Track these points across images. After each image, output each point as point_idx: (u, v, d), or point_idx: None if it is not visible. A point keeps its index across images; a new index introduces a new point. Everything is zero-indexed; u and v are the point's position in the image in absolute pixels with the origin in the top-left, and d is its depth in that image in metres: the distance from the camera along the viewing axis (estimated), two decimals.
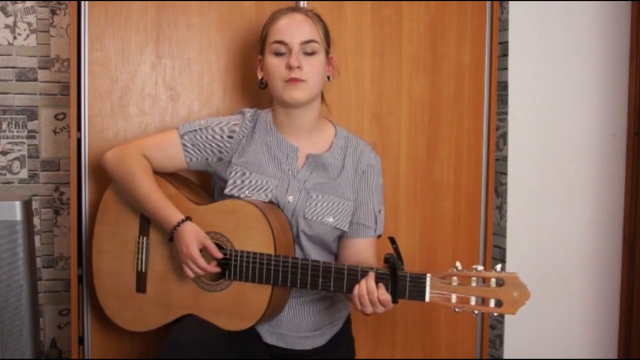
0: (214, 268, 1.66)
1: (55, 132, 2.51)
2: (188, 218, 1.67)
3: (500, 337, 2.35)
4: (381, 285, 1.57)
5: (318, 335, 1.80)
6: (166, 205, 1.69)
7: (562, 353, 2.39)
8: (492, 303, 1.53)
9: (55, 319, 2.56)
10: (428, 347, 2.24)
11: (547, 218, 2.36)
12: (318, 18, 1.76)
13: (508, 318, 2.32)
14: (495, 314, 1.55)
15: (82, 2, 1.92)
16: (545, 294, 2.32)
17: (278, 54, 1.71)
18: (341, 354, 1.85)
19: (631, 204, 2.35)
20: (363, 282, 1.57)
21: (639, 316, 2.32)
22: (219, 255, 1.65)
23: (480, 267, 1.53)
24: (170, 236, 1.68)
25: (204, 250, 1.66)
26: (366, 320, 2.08)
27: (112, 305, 1.80)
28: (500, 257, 2.33)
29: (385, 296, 1.56)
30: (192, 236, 1.64)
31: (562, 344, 2.39)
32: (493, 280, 1.52)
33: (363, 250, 1.79)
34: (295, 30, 1.70)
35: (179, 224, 1.66)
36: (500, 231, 2.34)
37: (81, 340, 1.99)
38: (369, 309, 1.58)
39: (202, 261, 1.64)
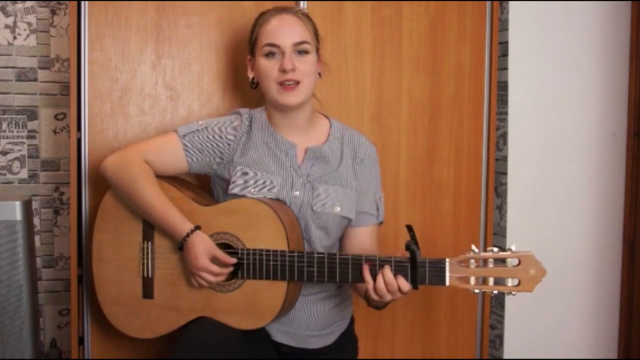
0: (228, 269, 1.65)
1: (55, 132, 2.51)
2: (197, 227, 1.65)
3: (500, 337, 2.35)
4: (400, 277, 1.56)
5: (328, 334, 1.80)
6: (174, 214, 1.67)
7: (562, 353, 2.39)
8: (509, 282, 1.55)
9: (55, 319, 2.56)
10: (428, 347, 2.24)
11: (547, 218, 2.35)
12: (307, 18, 1.75)
13: (508, 318, 2.32)
14: (514, 293, 1.56)
15: (82, 2, 1.92)
16: (545, 294, 2.30)
17: (270, 55, 1.71)
18: (346, 353, 1.85)
19: (631, 204, 2.35)
20: (380, 277, 1.57)
21: (639, 316, 2.32)
22: (232, 260, 1.64)
23: (496, 249, 1.55)
24: (181, 245, 1.66)
25: (214, 260, 1.64)
26: (366, 320, 2.08)
27: (118, 313, 1.77)
28: None
29: (407, 288, 1.57)
30: (202, 248, 1.63)
31: (562, 344, 2.39)
32: (509, 261, 1.54)
33: (365, 238, 1.79)
34: (287, 32, 1.70)
35: (188, 235, 1.64)
36: (500, 231, 2.34)
37: (81, 340, 1.99)
38: (388, 298, 1.58)
39: (215, 267, 1.62)
